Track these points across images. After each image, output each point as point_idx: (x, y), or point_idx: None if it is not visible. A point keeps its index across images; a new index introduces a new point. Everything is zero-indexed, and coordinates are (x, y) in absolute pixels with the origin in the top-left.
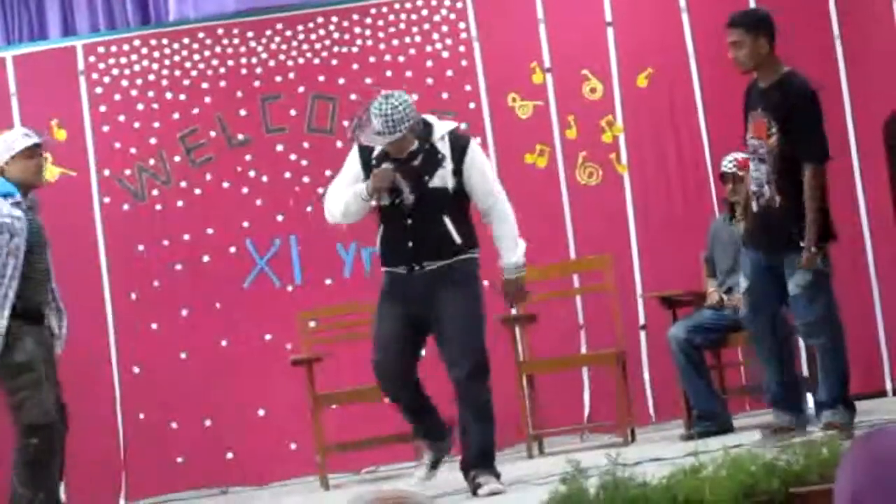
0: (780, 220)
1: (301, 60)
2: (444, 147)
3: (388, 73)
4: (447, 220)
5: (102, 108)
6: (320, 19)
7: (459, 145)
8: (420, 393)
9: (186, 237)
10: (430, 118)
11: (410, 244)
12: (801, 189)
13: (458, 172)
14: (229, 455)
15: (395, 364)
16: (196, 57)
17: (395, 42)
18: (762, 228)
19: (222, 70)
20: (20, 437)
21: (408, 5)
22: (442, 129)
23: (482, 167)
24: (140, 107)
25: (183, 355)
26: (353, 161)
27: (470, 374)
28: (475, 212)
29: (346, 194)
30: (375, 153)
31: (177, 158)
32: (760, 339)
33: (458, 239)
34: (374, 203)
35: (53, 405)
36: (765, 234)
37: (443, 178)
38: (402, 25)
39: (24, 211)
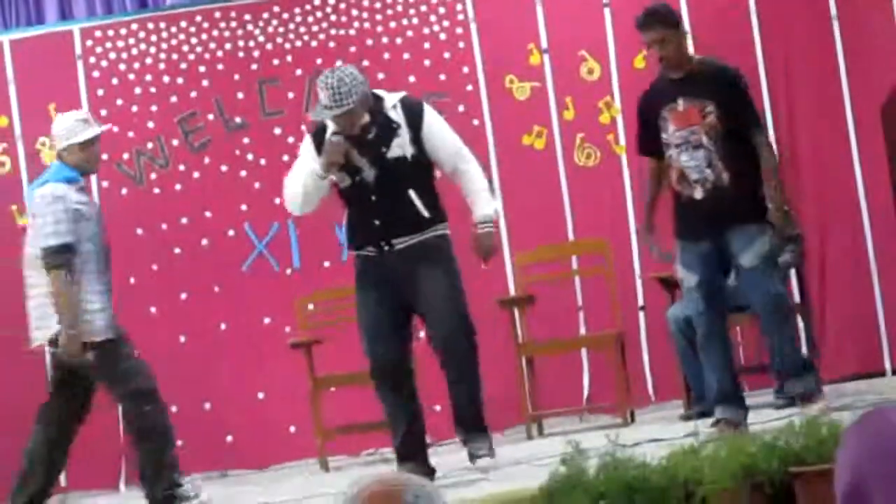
0: (734, 195)
1: (298, 43)
2: (397, 116)
3: (386, 56)
4: (412, 194)
5: (100, 93)
6: (317, 2)
7: (413, 112)
8: (415, 388)
9: (185, 221)
10: (381, 92)
11: (378, 222)
12: (748, 163)
13: (416, 140)
14: (229, 438)
15: (393, 352)
16: (193, 41)
17: (393, 24)
18: (711, 212)
19: (220, 53)
20: (134, 407)
21: None
22: (393, 98)
23: (441, 131)
24: (138, 91)
25: (182, 339)
26: (306, 147)
27: (453, 331)
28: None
29: (302, 177)
30: (328, 135)
31: (175, 142)
32: (714, 336)
33: (425, 213)
34: (331, 178)
35: None
36: (715, 216)
37: (401, 146)
38: (400, 8)
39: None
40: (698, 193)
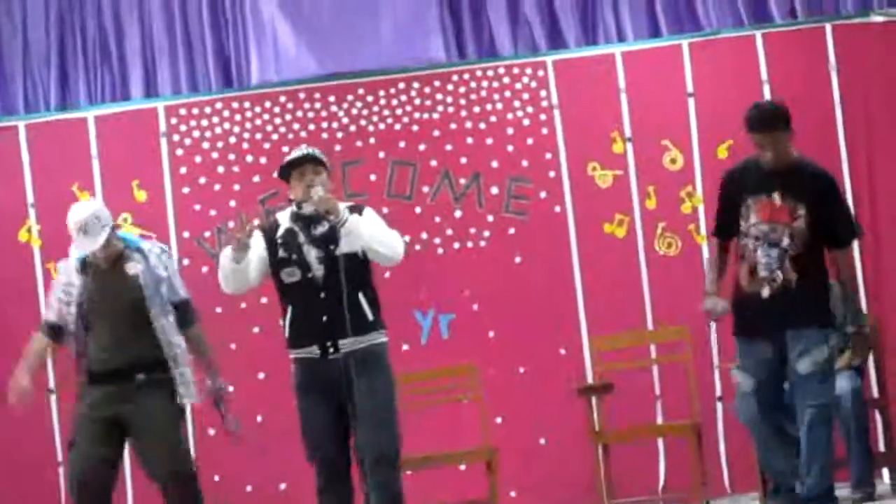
0: (800, 296)
1: (382, 126)
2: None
3: (469, 140)
4: (360, 295)
5: (183, 170)
6: (402, 85)
7: (358, 210)
8: (353, 494)
9: (264, 300)
10: None
11: (325, 318)
12: (820, 267)
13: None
14: None
15: (341, 460)
16: (277, 121)
17: (476, 109)
18: (775, 311)
19: (303, 134)
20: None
21: (489, 73)
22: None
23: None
24: (221, 169)
25: (259, 418)
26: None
27: (382, 454)
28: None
29: (229, 259)
30: (280, 233)
31: (256, 222)
32: (771, 444)
33: (370, 315)
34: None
35: None
36: (778, 315)
37: (350, 244)
38: (484, 93)
39: None
40: (765, 292)
